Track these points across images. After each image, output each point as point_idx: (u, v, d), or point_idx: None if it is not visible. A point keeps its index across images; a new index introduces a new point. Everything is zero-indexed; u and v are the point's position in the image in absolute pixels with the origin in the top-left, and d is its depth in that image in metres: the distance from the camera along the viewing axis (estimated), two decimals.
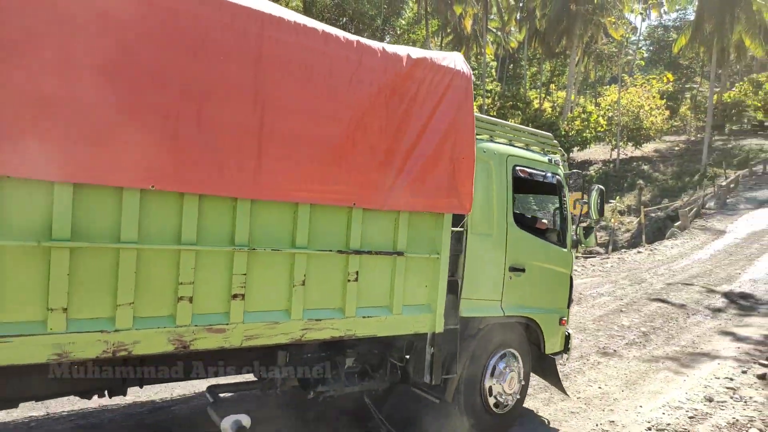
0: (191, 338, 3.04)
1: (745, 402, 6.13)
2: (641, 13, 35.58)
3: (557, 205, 5.55)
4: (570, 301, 5.60)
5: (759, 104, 41.67)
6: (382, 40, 35.48)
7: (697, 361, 7.59)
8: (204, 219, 3.02)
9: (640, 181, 29.25)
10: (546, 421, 5.37)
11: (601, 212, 5.56)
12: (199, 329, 3.05)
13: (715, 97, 40.36)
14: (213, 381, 4.21)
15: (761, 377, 6.99)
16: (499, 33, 52.32)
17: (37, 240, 2.53)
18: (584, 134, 33.18)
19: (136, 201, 2.77)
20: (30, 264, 2.55)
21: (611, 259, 16.51)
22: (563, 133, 33.49)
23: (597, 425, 5.25)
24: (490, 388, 4.74)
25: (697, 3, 36.24)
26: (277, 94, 3.16)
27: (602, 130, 33.58)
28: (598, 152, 38.04)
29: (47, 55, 2.46)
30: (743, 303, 11.37)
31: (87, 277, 2.70)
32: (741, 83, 45.02)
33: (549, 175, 5.29)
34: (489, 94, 48.78)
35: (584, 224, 5.75)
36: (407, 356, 4.40)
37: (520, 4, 47.82)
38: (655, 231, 22.64)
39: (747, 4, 33.06)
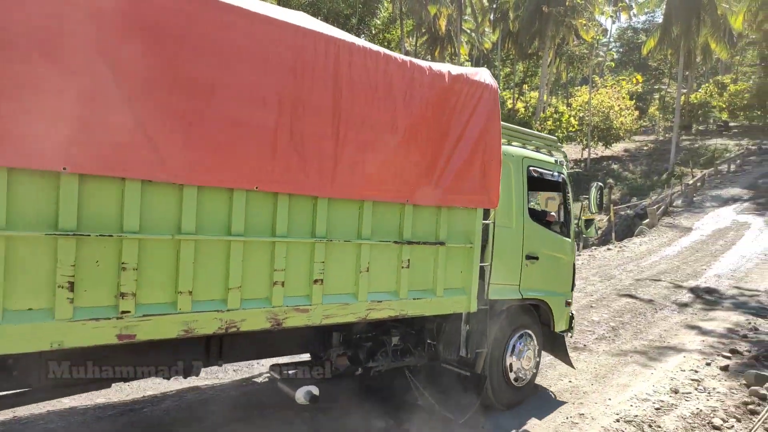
0: (283, 317, 3.58)
1: (709, 393, 6.34)
2: (611, 16, 36.32)
3: (564, 200, 6.27)
4: (573, 285, 6.35)
5: (724, 105, 42.96)
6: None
7: (664, 355, 7.81)
8: (293, 215, 3.58)
9: (610, 180, 29.85)
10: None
11: (600, 206, 6.33)
12: (289, 309, 3.60)
13: (683, 98, 41.41)
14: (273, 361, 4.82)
15: (724, 369, 7.24)
16: (473, 34, 52.76)
17: (171, 234, 3.05)
18: (556, 134, 33.72)
19: (243, 200, 3.30)
20: (165, 254, 3.06)
21: (582, 257, 16.82)
22: None
23: (567, 418, 5.38)
24: (511, 365, 5.47)
25: (665, 6, 37.14)
26: (350, 108, 3.71)
27: (573, 130, 34.19)
28: (569, 152, 38.67)
29: (197, 84, 3.04)
30: (708, 298, 11.73)
31: (207, 264, 3.22)
32: (707, 85, 46.34)
33: (556, 173, 6.03)
34: None
35: (586, 217, 6.50)
36: (438, 337, 5.03)
37: (494, 6, 48.32)
38: (625, 229, 23.16)
39: (712, 8, 34.02)
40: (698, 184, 28.61)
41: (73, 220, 2.74)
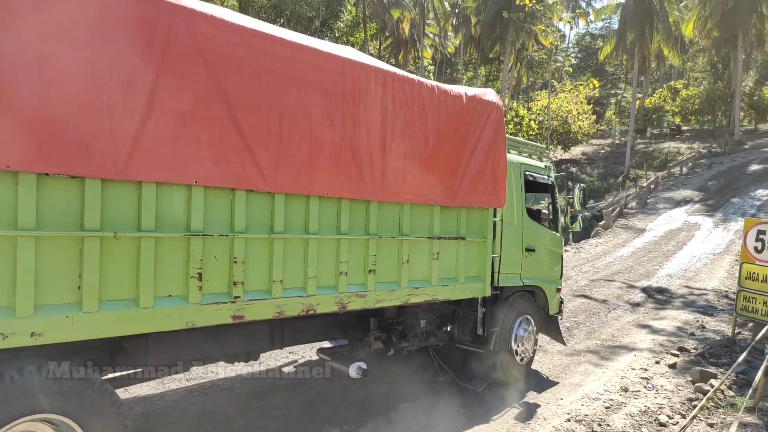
0: (347, 301, 4.35)
1: (657, 390, 6.57)
2: (569, 22, 37.20)
3: (553, 200, 7.25)
4: (561, 273, 7.35)
5: (676, 109, 44.55)
6: None
7: (616, 354, 8.05)
8: (352, 216, 4.35)
9: (570, 183, 30.56)
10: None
11: (583, 204, 7.25)
12: (351, 295, 4.37)
13: (638, 102, 42.76)
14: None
15: (672, 366, 7.51)
16: (436, 38, 53.25)
17: (267, 233, 3.78)
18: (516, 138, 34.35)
19: (317, 205, 4.08)
20: (263, 250, 3.79)
21: None
22: None
23: (520, 418, 5.49)
24: (516, 343, 6.33)
25: (620, 13, 38.29)
26: (393, 126, 4.54)
27: (533, 133, 34.87)
28: None
29: (287, 112, 3.80)
30: (659, 297, 12.14)
31: (292, 258, 3.97)
32: (661, 90, 47.95)
33: (546, 177, 7.01)
34: None
35: (571, 213, 7.51)
36: (457, 320, 6.06)
37: (456, 11, 48.91)
38: (582, 230, 23.75)
39: (664, 15, 35.25)
40: (652, 186, 29.56)
41: (200, 222, 3.42)
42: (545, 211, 7.21)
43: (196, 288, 3.42)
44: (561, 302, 7.31)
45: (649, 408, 5.97)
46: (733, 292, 8.83)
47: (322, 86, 4.01)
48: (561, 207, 7.40)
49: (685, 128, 46.38)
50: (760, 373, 6.21)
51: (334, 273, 4.26)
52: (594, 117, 37.44)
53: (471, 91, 5.39)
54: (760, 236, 8.25)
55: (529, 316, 6.58)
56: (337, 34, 36.54)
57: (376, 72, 4.41)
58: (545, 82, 39.10)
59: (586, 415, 5.62)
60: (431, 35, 52.40)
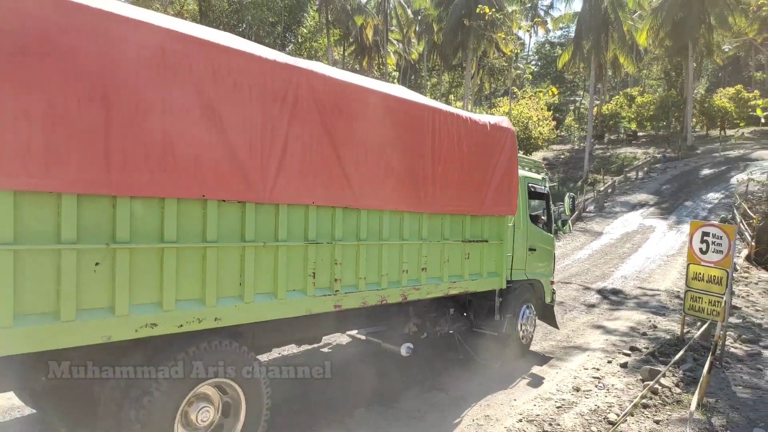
0: (407, 294, 5.51)
1: (608, 390, 6.74)
2: (528, 30, 38.03)
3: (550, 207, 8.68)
4: (554, 268, 8.78)
5: (632, 116, 45.91)
6: (283, 47, 35.15)
7: (570, 354, 8.23)
8: (410, 225, 5.54)
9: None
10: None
11: (572, 210, 9.00)
12: (410, 288, 5.54)
13: (595, 109, 43.93)
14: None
15: (623, 366, 7.71)
16: (400, 44, 53.59)
17: (356, 240, 4.93)
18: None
19: (388, 217, 5.28)
20: (353, 253, 4.93)
21: None
22: None
23: (473, 420, 5.56)
24: (521, 327, 7.66)
25: (577, 21, 39.33)
26: (440, 152, 5.71)
27: None
28: None
29: (375, 145, 5.00)
30: (614, 298, 12.47)
31: (371, 259, 5.14)
32: (617, 97, 49.37)
33: (543, 187, 8.29)
34: None
35: (563, 218, 9.25)
36: (477, 308, 7.33)
37: (419, 18, 49.36)
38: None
39: (619, 24, 36.35)
40: (609, 190, 30.37)
41: (314, 233, 4.52)
42: (543, 217, 8.62)
43: (311, 284, 4.53)
44: (553, 292, 8.70)
45: (599, 407, 6.12)
46: (683, 293, 9.14)
47: (393, 124, 5.19)
48: (553, 212, 8.79)
49: (640, 134, 47.84)
50: (705, 370, 6.44)
51: (398, 271, 5.44)
52: (554, 123, 38.26)
53: (492, 119, 6.65)
54: (705, 238, 8.57)
55: (531, 305, 7.94)
56: (300, 40, 36.42)
57: (429, 110, 5.59)
58: (507, 89, 39.83)
59: (538, 415, 5.73)
60: (395, 42, 52.75)
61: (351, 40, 50.51)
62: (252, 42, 4.18)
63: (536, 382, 6.90)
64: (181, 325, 3.58)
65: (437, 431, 5.29)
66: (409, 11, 44.89)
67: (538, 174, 8.40)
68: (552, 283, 8.57)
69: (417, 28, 50.96)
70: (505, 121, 6.80)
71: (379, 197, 5.08)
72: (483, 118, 6.48)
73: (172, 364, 3.62)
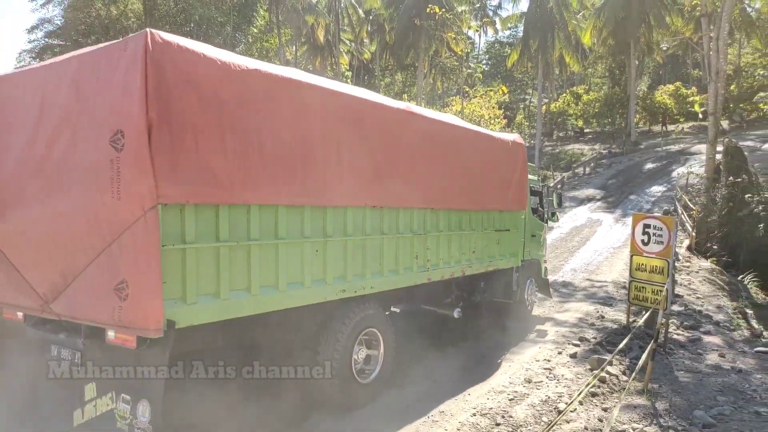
0: (465, 270, 7.56)
1: (558, 380, 6.91)
2: (478, 30, 38.67)
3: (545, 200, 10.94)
4: (545, 250, 11.28)
5: (579, 113, 47.34)
6: (233, 47, 34.50)
7: (522, 347, 8.40)
8: (468, 219, 7.59)
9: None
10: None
11: (559, 204, 11.65)
12: (466, 266, 7.61)
13: (544, 107, 45.07)
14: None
15: (573, 356, 7.92)
16: (352, 44, 53.49)
17: (437, 232, 6.90)
18: None
19: (457, 214, 7.39)
20: (437, 240, 6.88)
21: None
22: None
23: (428, 417, 5.60)
24: (528, 296, 9.92)
25: (524, 21, 40.25)
26: (472, 164, 7.56)
27: None
28: None
29: (432, 160, 6.75)
30: (564, 291, 12.82)
31: (447, 244, 7.15)
32: (564, 95, 50.78)
33: (537, 186, 10.70)
34: None
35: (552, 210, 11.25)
36: (498, 283, 9.07)
37: (370, 17, 49.39)
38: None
39: (564, 25, 37.42)
40: (558, 186, 31.21)
41: (419, 227, 6.51)
42: (540, 209, 10.66)
43: (415, 263, 6.49)
44: (546, 269, 11.14)
45: (549, 397, 6.27)
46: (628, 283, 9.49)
47: (462, 146, 7.36)
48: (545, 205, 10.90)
49: (587, 131, 49.38)
50: (644, 357, 6.70)
51: (459, 253, 7.39)
52: (505, 121, 39.04)
53: (510, 137, 8.83)
54: (646, 230, 8.92)
55: (533, 279, 10.15)
56: (250, 40, 35.82)
57: (462, 129, 7.64)
58: (459, 88, 40.38)
59: (491, 408, 5.83)
60: (347, 41, 52.62)
61: (303, 39, 50.08)
62: (372, 92, 6.22)
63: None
64: (356, 291, 5.55)
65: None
66: (360, 11, 44.87)
67: (534, 175, 10.73)
68: (545, 261, 11.14)
69: (369, 28, 50.97)
70: (518, 138, 9.05)
71: (451, 200, 7.16)
72: (505, 136, 8.71)
73: (350, 318, 5.56)
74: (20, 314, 4.67)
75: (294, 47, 51.76)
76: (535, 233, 10.14)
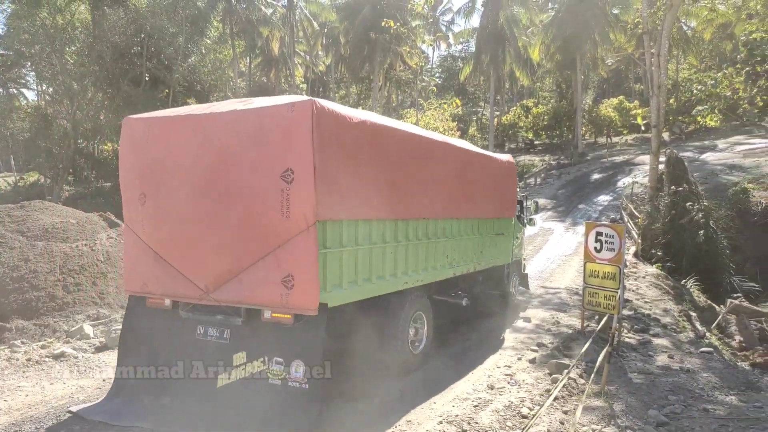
0: (476, 267, 9.37)
1: (519, 385, 7.10)
2: (431, 44, 39.42)
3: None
4: (523, 250, 13.21)
5: (529, 125, 48.80)
6: (186, 58, 33.95)
7: (484, 355, 8.58)
8: (478, 225, 9.43)
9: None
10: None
11: (536, 211, 13.46)
12: (477, 263, 9.37)
13: (496, 119, 46.20)
14: None
15: (532, 361, 8.14)
16: (307, 56, 53.41)
17: (461, 236, 8.81)
18: None
19: (476, 222, 9.45)
20: (457, 243, 8.62)
21: None
22: None
23: (396, 426, 5.66)
24: (513, 288, 11.62)
25: (476, 36, 41.28)
26: (483, 180, 9.45)
27: None
28: None
29: (465, 179, 8.76)
30: (520, 298, 13.11)
31: (465, 247, 9.01)
32: (515, 108, 52.25)
33: (519, 195, 12.29)
34: None
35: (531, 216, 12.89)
36: (492, 277, 10.64)
37: (325, 30, 49.55)
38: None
39: (514, 40, 38.60)
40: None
41: (448, 232, 8.24)
42: (521, 215, 12.14)
43: (446, 261, 8.16)
44: (525, 266, 13.14)
45: (512, 402, 6.44)
46: (582, 289, 9.84)
47: (475, 167, 9.14)
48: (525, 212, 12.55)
49: (537, 142, 50.90)
50: (600, 359, 6.98)
51: (472, 253, 9.13)
52: (459, 133, 39.83)
53: (503, 157, 10.80)
54: (599, 237, 9.30)
55: (516, 275, 11.88)
56: (204, 51, 35.33)
57: (484, 156, 9.89)
58: (413, 100, 40.97)
59: (457, 415, 5.93)
60: (302, 53, 52.55)
61: (257, 51, 49.71)
62: (435, 133, 8.74)
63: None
64: (413, 283, 7.30)
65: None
66: (315, 24, 44.99)
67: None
68: (524, 259, 13.17)
69: (324, 41, 51.10)
70: (510, 158, 11.15)
71: (470, 210, 9.04)
72: (502, 156, 10.76)
73: (409, 303, 7.19)
74: (168, 302, 5.91)
75: (248, 59, 51.33)
76: (517, 236, 11.82)
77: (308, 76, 57.71)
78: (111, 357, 7.92)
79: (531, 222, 13.00)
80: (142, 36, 30.06)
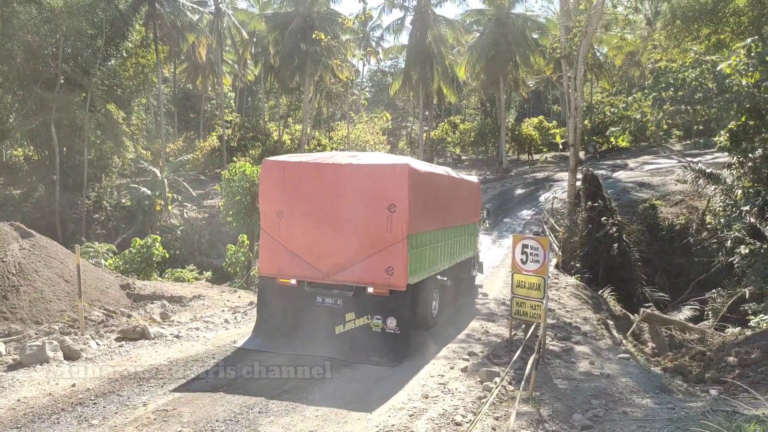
0: (455, 261, 12.02)
1: (452, 393, 7.23)
2: (362, 59, 39.86)
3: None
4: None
5: (456, 141, 50.21)
6: (105, 61, 32.34)
7: (418, 364, 8.65)
8: (463, 230, 12.73)
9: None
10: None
11: (488, 216, 17.02)
12: (462, 256, 12.74)
13: (425, 134, 47.21)
14: None
15: (464, 370, 8.31)
16: (236, 65, 52.34)
17: (453, 239, 11.72)
18: None
19: (459, 228, 12.33)
20: (445, 243, 11.07)
21: None
22: None
23: None
24: (476, 273, 14.67)
25: (405, 53, 42.15)
26: (467, 197, 13.01)
27: None
28: None
29: (454, 200, 12.02)
30: (450, 309, 13.39)
31: (450, 248, 11.49)
32: (443, 123, 53.64)
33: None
34: (229, 125, 48.35)
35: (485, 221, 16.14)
36: (465, 266, 13.33)
37: (254, 39, 48.82)
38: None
39: (441, 58, 39.74)
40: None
41: (454, 234, 11.70)
42: (479, 219, 14.81)
43: (449, 256, 11.23)
44: (479, 255, 15.29)
45: (446, 411, 6.55)
46: (509, 299, 10.18)
47: (462, 188, 12.41)
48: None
49: (464, 158, 52.47)
50: (529, 367, 7.25)
51: (461, 249, 12.21)
52: (388, 147, 40.41)
53: (474, 178, 15.03)
54: (525, 249, 9.67)
55: (476, 262, 14.66)
56: (125, 55, 33.82)
57: (465, 180, 13.25)
58: (344, 113, 41.13)
59: (393, 425, 5.96)
60: (230, 62, 51.44)
61: (182, 57, 48.16)
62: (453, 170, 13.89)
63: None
64: (435, 271, 10.32)
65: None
66: (244, 32, 44.25)
67: None
68: (479, 251, 15.46)
69: (253, 50, 50.30)
70: (477, 179, 15.53)
71: (463, 219, 12.31)
72: (471, 178, 14.96)
73: (432, 284, 10.21)
74: (294, 281, 9.03)
75: (173, 65, 49.67)
76: (478, 235, 15.00)
77: (236, 84, 56.57)
78: (26, 375, 7.36)
79: (485, 223, 16.50)
80: (58, 36, 28.40)
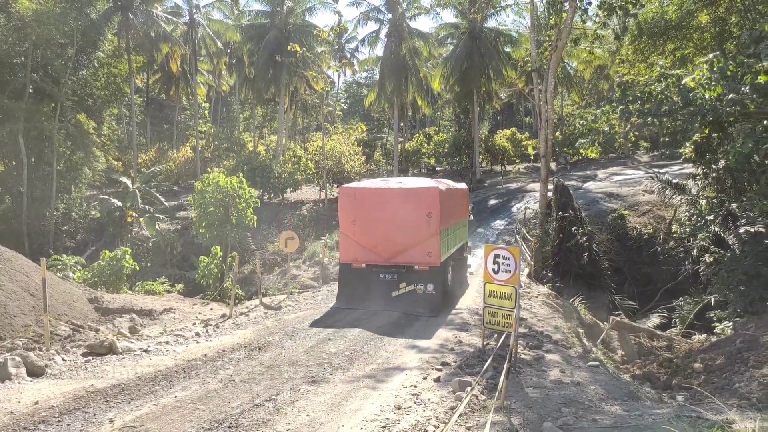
0: (452, 249, 15.74)
1: (425, 404, 7.25)
2: (337, 70, 40.00)
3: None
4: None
5: (431, 152, 50.59)
6: (76, 71, 31.83)
7: (390, 375, 8.66)
8: (462, 224, 17.89)
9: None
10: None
11: (473, 210, 21.53)
12: (452, 247, 15.73)
13: (400, 145, 47.48)
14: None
15: (437, 380, 8.34)
16: (210, 76, 51.98)
17: (450, 234, 15.37)
18: (296, 176, 35.28)
19: (455, 226, 16.33)
20: (452, 235, 15.77)
21: (322, 292, 17.74)
22: (276, 175, 34.91)
23: None
24: (466, 255, 19.22)
25: (380, 65, 42.45)
26: (455, 202, 16.30)
27: (311, 173, 36.23)
28: (309, 193, 40.71)
29: (452, 208, 16.26)
30: (422, 319, 13.44)
31: (450, 239, 15.26)
32: (418, 135, 54.02)
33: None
34: (203, 136, 47.90)
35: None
36: (459, 251, 17.44)
37: (229, 50, 48.62)
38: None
39: (416, 71, 40.13)
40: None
41: (457, 227, 16.60)
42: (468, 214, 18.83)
43: (456, 242, 16.14)
44: (469, 249, 19.83)
45: (419, 421, 6.56)
46: (482, 309, 10.25)
47: (458, 193, 17.29)
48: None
49: (439, 168, 52.83)
50: (502, 377, 7.32)
51: (460, 238, 16.98)
52: (364, 158, 40.46)
53: (463, 185, 19.21)
54: (496, 259, 9.80)
55: (467, 253, 18.66)
56: (96, 65, 33.32)
57: (458, 187, 17.86)
58: (319, 124, 41.17)
59: None
60: (205, 72, 51.09)
61: (156, 67, 47.68)
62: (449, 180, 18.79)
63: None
64: (448, 255, 14.82)
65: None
66: (219, 43, 44.04)
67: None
68: (468, 241, 19.39)
69: (228, 60, 50.07)
70: (465, 185, 19.73)
71: (461, 216, 16.87)
72: (461, 185, 18.57)
73: (448, 265, 15.05)
74: (364, 265, 13.84)
75: (146, 75, 49.13)
76: (467, 226, 18.73)
77: (211, 95, 56.21)
78: None
79: (471, 217, 20.42)
80: (27, 45, 27.87)
